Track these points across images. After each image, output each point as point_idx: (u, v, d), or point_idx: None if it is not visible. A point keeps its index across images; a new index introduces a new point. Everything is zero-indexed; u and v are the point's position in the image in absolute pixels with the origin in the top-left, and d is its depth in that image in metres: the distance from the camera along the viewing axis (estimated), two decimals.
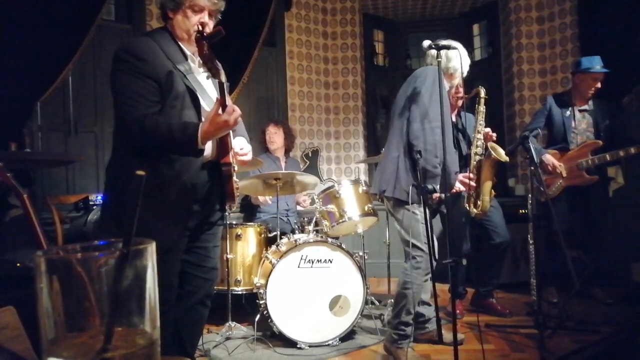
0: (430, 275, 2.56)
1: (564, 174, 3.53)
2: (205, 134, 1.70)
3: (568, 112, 3.63)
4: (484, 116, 3.05)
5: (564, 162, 3.56)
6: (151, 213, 1.75)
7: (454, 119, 3.30)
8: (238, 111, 1.72)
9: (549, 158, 3.56)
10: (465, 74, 2.68)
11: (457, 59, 2.62)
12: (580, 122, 3.62)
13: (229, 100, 1.74)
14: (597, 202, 3.61)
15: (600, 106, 3.63)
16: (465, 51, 2.66)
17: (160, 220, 1.77)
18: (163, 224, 1.79)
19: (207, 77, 1.77)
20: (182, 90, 1.80)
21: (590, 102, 3.63)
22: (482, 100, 3.04)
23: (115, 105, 1.81)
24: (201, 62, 1.75)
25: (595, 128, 3.60)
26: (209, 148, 1.84)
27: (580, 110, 3.64)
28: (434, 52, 2.56)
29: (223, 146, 1.83)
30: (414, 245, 2.50)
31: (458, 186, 2.70)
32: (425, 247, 2.48)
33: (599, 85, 3.53)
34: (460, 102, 3.20)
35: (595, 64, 3.51)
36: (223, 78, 1.72)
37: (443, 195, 2.26)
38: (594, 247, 3.63)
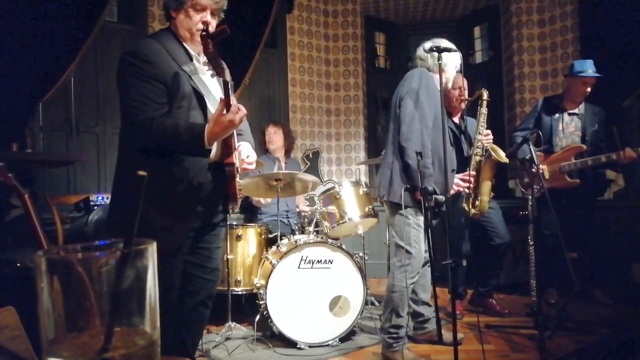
0: (417, 276, 2.60)
1: (547, 176, 3.52)
2: (211, 134, 1.71)
3: (557, 115, 3.63)
4: (485, 118, 3.06)
5: (547, 165, 3.55)
6: (159, 213, 1.75)
7: (456, 121, 3.32)
8: (243, 110, 1.73)
9: None
10: (458, 67, 2.69)
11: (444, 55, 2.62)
12: (568, 126, 3.62)
13: (233, 100, 1.74)
14: (584, 205, 3.59)
15: (592, 111, 3.61)
16: (452, 44, 2.64)
17: (167, 220, 1.78)
18: (170, 225, 1.80)
19: (212, 76, 1.77)
20: (188, 91, 1.81)
21: (582, 106, 3.61)
22: (485, 103, 3.05)
23: (122, 107, 1.80)
24: (206, 60, 1.75)
25: (583, 132, 3.58)
26: (213, 149, 1.85)
27: (569, 114, 3.62)
28: (423, 54, 2.61)
29: (226, 147, 1.84)
30: (404, 249, 2.52)
31: (455, 188, 2.71)
32: (413, 251, 2.52)
33: (588, 89, 3.50)
34: (463, 105, 3.21)
35: (587, 68, 3.48)
36: (228, 77, 1.72)
37: (443, 197, 2.26)
38: (586, 250, 3.62)
